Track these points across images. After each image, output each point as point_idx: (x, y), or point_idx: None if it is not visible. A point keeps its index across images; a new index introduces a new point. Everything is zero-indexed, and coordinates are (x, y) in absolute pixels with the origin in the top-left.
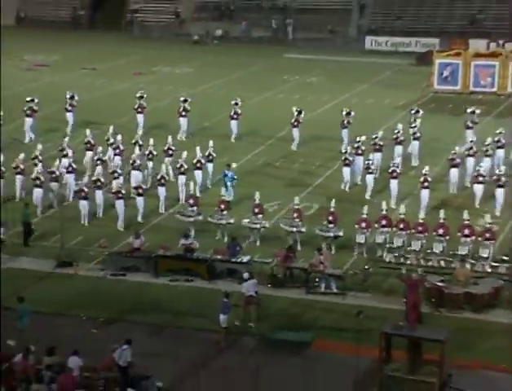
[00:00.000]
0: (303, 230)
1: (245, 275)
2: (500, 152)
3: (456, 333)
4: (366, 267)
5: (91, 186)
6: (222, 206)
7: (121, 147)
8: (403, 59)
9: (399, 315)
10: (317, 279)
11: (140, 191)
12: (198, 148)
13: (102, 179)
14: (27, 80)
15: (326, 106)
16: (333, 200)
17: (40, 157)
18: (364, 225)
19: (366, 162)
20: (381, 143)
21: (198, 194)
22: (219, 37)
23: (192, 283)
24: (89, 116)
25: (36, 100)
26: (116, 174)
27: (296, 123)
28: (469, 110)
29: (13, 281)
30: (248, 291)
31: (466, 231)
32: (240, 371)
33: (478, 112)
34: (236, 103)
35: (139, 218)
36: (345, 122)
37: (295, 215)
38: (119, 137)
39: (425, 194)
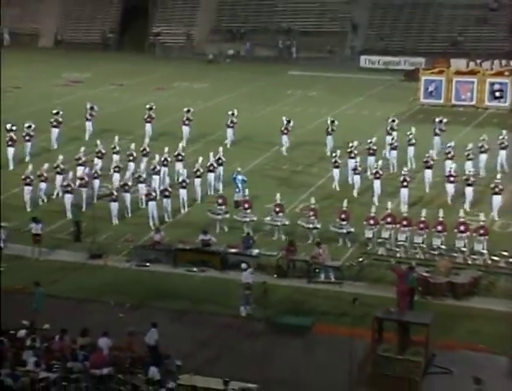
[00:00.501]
0: (318, 226)
1: (243, 266)
2: (483, 156)
3: (440, 318)
4: (360, 259)
5: (119, 190)
6: (246, 205)
7: (134, 154)
8: (394, 75)
9: (390, 302)
10: (317, 270)
11: (167, 193)
12: (211, 154)
13: (129, 183)
14: (63, 94)
15: (325, 117)
16: (346, 201)
17: (61, 166)
18: (372, 222)
19: (355, 164)
20: (375, 148)
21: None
22: (231, 56)
23: (207, 273)
24: (114, 126)
25: (61, 112)
26: (141, 178)
27: (286, 131)
28: (437, 119)
29: (51, 271)
30: (246, 279)
31: (462, 228)
32: (249, 351)
33: (445, 120)
34: (233, 114)
35: (167, 217)
36: (329, 130)
37: (311, 213)
38: (132, 145)
39: (404, 192)
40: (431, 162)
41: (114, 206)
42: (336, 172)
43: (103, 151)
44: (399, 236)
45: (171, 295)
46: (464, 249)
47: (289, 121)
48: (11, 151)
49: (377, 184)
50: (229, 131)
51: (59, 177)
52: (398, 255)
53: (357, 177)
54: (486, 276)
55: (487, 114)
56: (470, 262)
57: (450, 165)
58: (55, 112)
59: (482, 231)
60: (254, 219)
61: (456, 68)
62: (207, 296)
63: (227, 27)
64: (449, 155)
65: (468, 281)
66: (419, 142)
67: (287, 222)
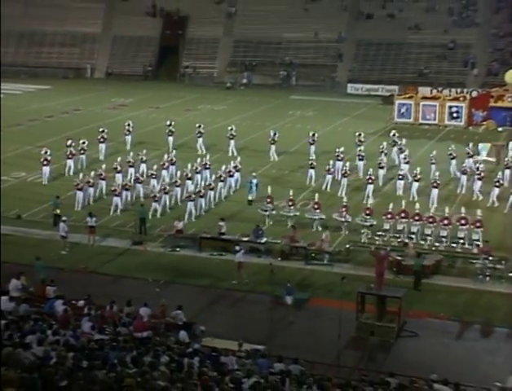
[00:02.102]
0: (323, 217)
1: (237, 248)
2: (453, 162)
3: (410, 292)
4: (347, 246)
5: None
6: (290, 203)
7: (166, 164)
8: (374, 100)
9: (371, 280)
10: (313, 254)
11: (201, 194)
12: (232, 162)
13: (168, 187)
14: (112, 115)
15: (319, 133)
16: (370, 199)
17: (104, 173)
18: (389, 216)
19: (343, 168)
20: (363, 154)
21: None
22: (244, 84)
23: (225, 256)
24: (150, 140)
25: (106, 130)
26: (177, 183)
27: (272, 141)
28: (391, 134)
29: (102, 255)
30: (239, 258)
31: (463, 221)
32: (258, 319)
33: (397, 134)
34: (231, 128)
35: (198, 212)
36: (310, 140)
37: (315, 206)
38: (165, 156)
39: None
40: (402, 173)
41: (156, 205)
42: (328, 177)
43: (132, 161)
44: (412, 228)
45: (196, 274)
46: (476, 238)
47: (275, 134)
48: (70, 162)
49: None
50: (231, 142)
51: (102, 183)
52: (377, 242)
53: (345, 180)
54: (446, 259)
55: (447, 131)
56: (433, 248)
57: (434, 171)
58: (101, 130)
59: (478, 224)
60: (297, 214)
61: (422, 94)
62: (225, 275)
63: (241, 60)
64: (433, 161)
65: (432, 263)
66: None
67: (323, 217)
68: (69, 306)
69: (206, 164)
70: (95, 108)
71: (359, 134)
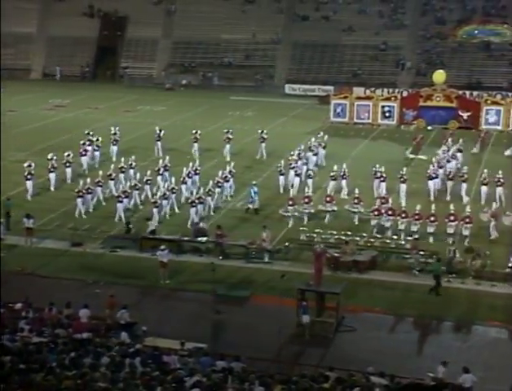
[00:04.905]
0: (313, 211)
1: (162, 247)
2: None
3: (347, 288)
4: (287, 244)
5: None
6: (306, 200)
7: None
8: (311, 100)
9: (310, 276)
10: (254, 252)
11: (201, 200)
12: (227, 166)
13: (167, 192)
14: (49, 116)
15: (258, 132)
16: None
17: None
18: (389, 212)
19: (295, 168)
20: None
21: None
22: (184, 85)
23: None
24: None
25: (92, 135)
26: (175, 189)
27: (227, 140)
28: (319, 135)
29: (41, 256)
30: (162, 257)
31: (452, 218)
32: (200, 317)
33: (321, 134)
34: (196, 132)
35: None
36: (260, 138)
37: (306, 200)
38: (160, 162)
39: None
40: (378, 174)
41: (155, 212)
42: (281, 178)
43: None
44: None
45: (137, 274)
46: (466, 234)
47: (229, 135)
48: (52, 176)
49: (309, 183)
50: (195, 145)
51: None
52: (315, 240)
53: (297, 179)
54: (381, 255)
55: (380, 130)
56: (369, 244)
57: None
58: (87, 132)
59: (467, 220)
60: (312, 211)
61: (356, 94)
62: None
63: (181, 61)
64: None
65: (367, 259)
66: (330, 151)
67: (335, 208)
68: (6, 309)
69: (197, 169)
70: (31, 109)
71: (322, 137)
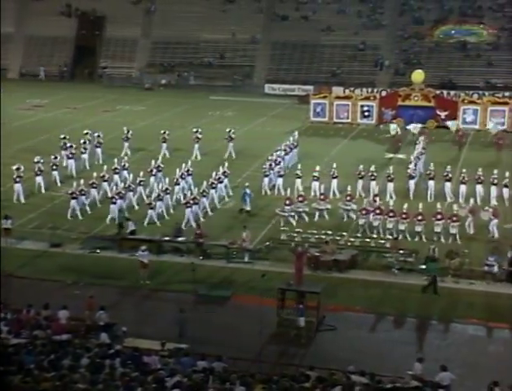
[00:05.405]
0: (307, 209)
1: (142, 248)
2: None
3: (327, 287)
4: (267, 243)
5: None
6: (301, 199)
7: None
8: (290, 99)
9: (290, 276)
10: (234, 252)
11: (196, 201)
12: (221, 167)
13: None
14: (28, 116)
15: (238, 132)
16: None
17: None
18: (377, 211)
19: (279, 168)
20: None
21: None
22: (164, 85)
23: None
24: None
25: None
26: (169, 190)
27: (196, 139)
28: (295, 134)
29: (19, 257)
30: (142, 257)
31: (439, 216)
32: (182, 317)
33: (296, 133)
34: (164, 132)
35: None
36: (228, 137)
37: (300, 199)
38: (153, 162)
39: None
40: (363, 173)
41: (152, 213)
42: (266, 181)
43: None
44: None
45: (117, 275)
46: (453, 232)
47: (197, 131)
48: (39, 179)
49: (279, 181)
50: (163, 145)
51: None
52: (296, 240)
53: (280, 179)
54: (361, 254)
55: (359, 129)
56: (349, 243)
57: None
58: (85, 132)
59: (455, 218)
60: (307, 210)
61: (336, 93)
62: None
63: (160, 61)
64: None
65: (347, 258)
66: (310, 150)
67: (329, 206)
68: None
69: (189, 170)
70: (8, 109)
71: (294, 135)
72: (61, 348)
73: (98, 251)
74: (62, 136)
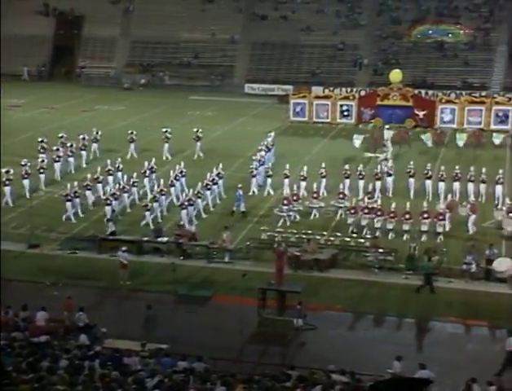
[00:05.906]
0: (323, 205)
1: (122, 248)
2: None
3: (308, 286)
4: (248, 243)
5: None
6: (295, 197)
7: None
8: (270, 99)
9: (271, 276)
10: (215, 252)
11: (191, 202)
12: (215, 169)
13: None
14: (5, 116)
15: (218, 132)
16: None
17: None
18: (365, 211)
19: (266, 169)
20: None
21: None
22: (143, 84)
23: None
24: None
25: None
26: (164, 191)
27: (166, 139)
28: (269, 134)
29: None
30: (123, 259)
31: (425, 215)
32: (162, 317)
33: (272, 134)
34: (131, 132)
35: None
36: (195, 137)
37: (285, 201)
38: (146, 163)
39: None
40: (349, 173)
41: (148, 215)
42: (254, 181)
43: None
44: (375, 224)
45: (96, 276)
46: (439, 231)
47: (166, 131)
48: (26, 182)
49: (268, 182)
50: (131, 145)
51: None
52: (276, 239)
53: (269, 179)
54: (341, 253)
55: (339, 129)
56: (329, 242)
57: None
58: (40, 139)
59: (441, 217)
60: (301, 209)
61: (315, 93)
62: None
63: (140, 61)
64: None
65: (328, 257)
66: (290, 149)
67: (323, 205)
68: None
69: (182, 171)
70: None
71: (271, 136)
72: (40, 349)
73: (77, 251)
74: (40, 139)
